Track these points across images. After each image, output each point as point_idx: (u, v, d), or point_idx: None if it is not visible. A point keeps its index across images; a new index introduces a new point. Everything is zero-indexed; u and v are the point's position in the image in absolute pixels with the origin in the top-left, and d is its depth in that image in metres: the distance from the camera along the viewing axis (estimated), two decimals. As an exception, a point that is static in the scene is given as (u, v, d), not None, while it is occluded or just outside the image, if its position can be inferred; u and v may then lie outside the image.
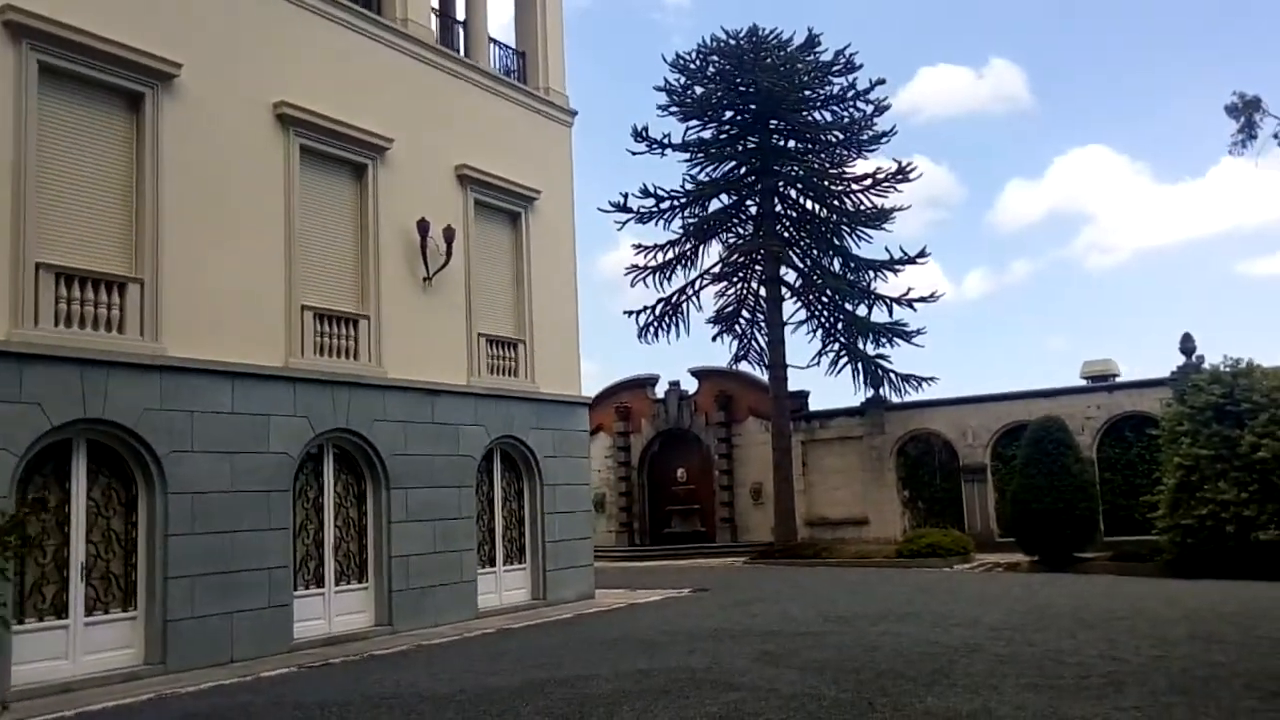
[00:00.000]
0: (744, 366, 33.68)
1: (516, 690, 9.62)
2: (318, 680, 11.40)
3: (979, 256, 70.59)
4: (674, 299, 31.59)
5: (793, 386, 32.30)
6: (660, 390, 36.72)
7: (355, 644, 14.70)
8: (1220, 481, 20.23)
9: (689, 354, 64.98)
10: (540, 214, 20.28)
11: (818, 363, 31.05)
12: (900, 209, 29.64)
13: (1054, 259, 64.20)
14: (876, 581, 21.06)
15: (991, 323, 66.07)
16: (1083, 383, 29.21)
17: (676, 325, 31.76)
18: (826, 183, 29.81)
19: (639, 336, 31.67)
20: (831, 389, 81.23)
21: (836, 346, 30.58)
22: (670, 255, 31.32)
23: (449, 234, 17.55)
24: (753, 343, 32.56)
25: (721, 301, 32.44)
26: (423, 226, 17.16)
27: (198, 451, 13.42)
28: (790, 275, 31.06)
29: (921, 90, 68.05)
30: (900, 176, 28.80)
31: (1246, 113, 14.64)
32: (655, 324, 31.62)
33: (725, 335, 32.82)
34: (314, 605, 15.09)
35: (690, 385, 36.03)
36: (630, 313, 31.54)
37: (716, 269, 31.75)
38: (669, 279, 31.58)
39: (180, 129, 13.86)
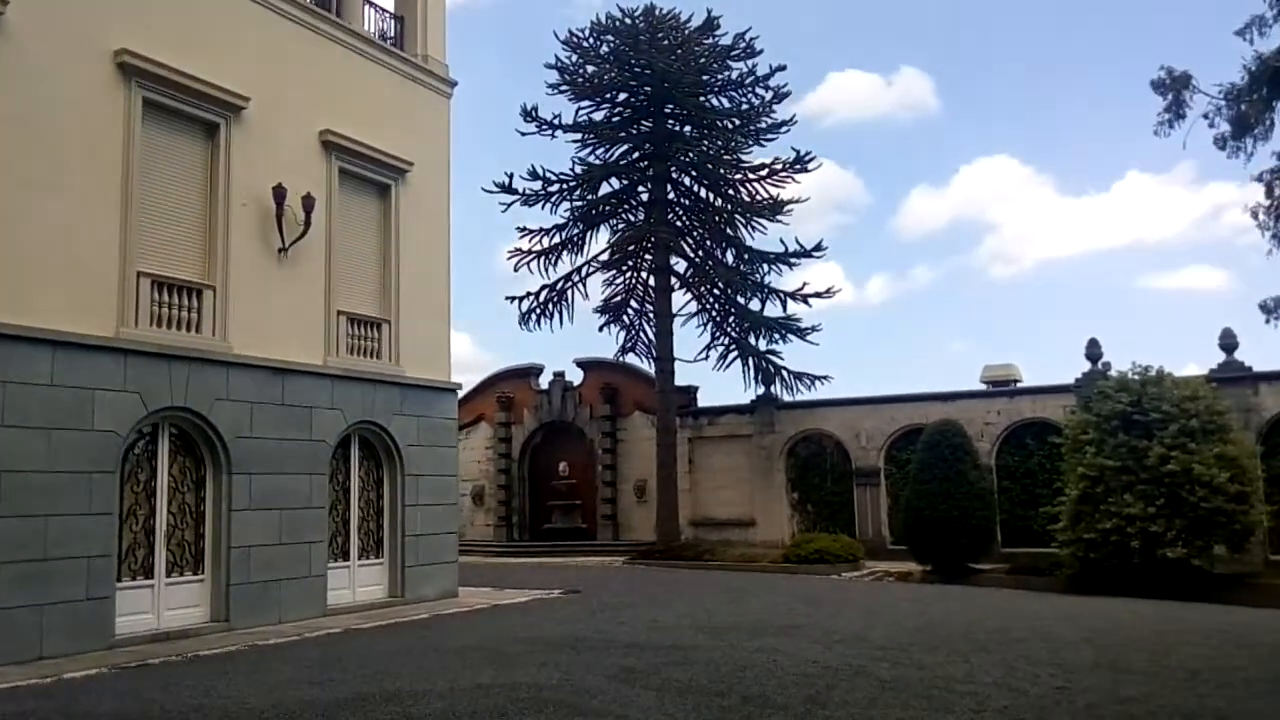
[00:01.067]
0: (631, 359, 33.53)
1: (337, 706, 9.17)
2: (124, 685, 10.80)
3: (882, 262, 72.33)
4: (559, 285, 31.25)
5: (682, 381, 32.25)
6: (545, 381, 36.37)
7: (184, 642, 14.06)
8: (1126, 494, 20.19)
9: (587, 345, 64.62)
10: (413, 188, 19.75)
11: (706, 357, 31.07)
12: (798, 201, 29.76)
13: (957, 266, 66.10)
14: (759, 588, 20.98)
15: (893, 328, 67.72)
16: (983, 387, 29.59)
17: (561, 313, 31.48)
18: (722, 170, 29.72)
19: (521, 322, 31.30)
20: (722, 386, 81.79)
21: (726, 341, 30.56)
22: (556, 240, 30.99)
23: (308, 203, 16.95)
24: (641, 334, 32.39)
25: (609, 290, 32.27)
26: (279, 193, 16.54)
27: (9, 426, 12.67)
28: (681, 265, 30.94)
29: (830, 95, 69.62)
30: (798, 166, 28.85)
31: (1175, 89, 13.69)
32: (539, 310, 31.23)
33: (612, 325, 32.64)
34: (141, 598, 14.38)
35: (576, 376, 35.77)
36: (512, 298, 31.15)
37: (605, 256, 31.50)
38: (554, 265, 31.27)
39: (3, 76, 13.07)
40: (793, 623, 15.26)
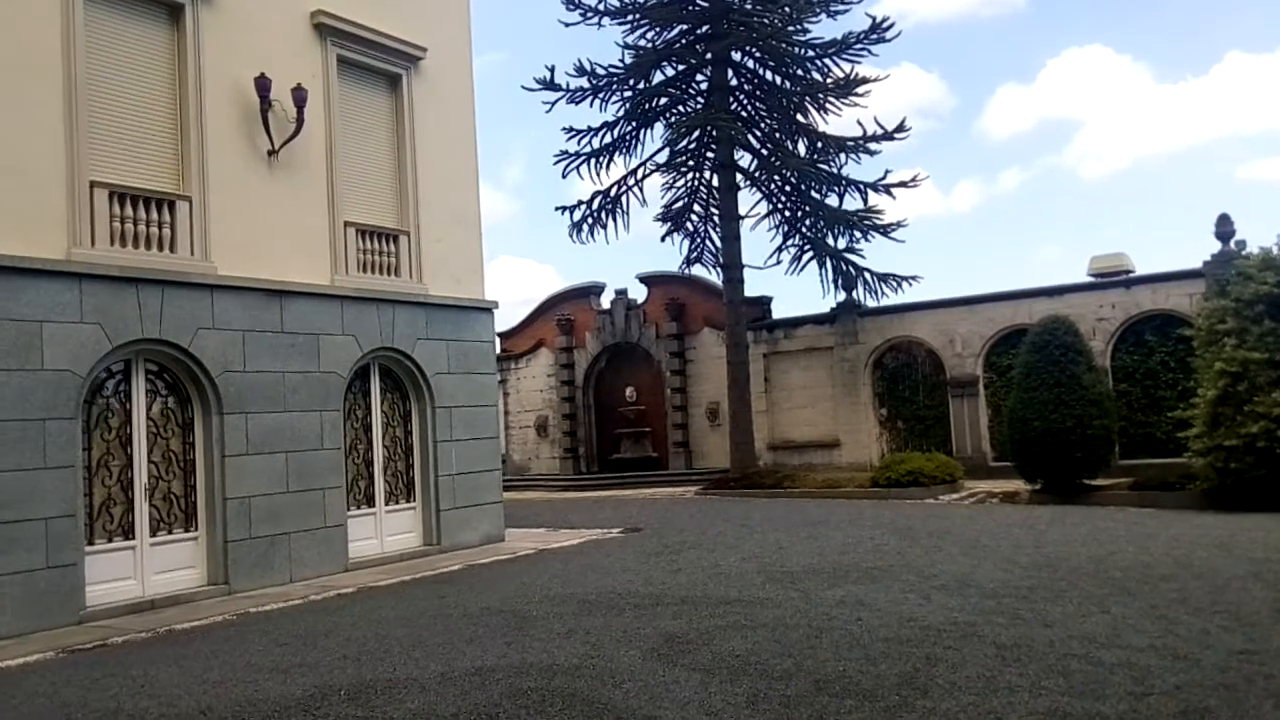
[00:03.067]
0: (698, 271, 31.21)
1: (284, 708, 7.27)
2: (53, 676, 9.04)
3: (969, 167, 69.56)
4: (613, 191, 28.91)
5: (755, 291, 29.93)
6: (606, 300, 34.30)
7: (171, 610, 12.39)
8: (1276, 391, 17.65)
9: (658, 258, 62.41)
10: (428, 78, 17.62)
11: (778, 261, 28.57)
12: (877, 79, 26.84)
13: (1047, 166, 62.99)
14: (844, 519, 18.85)
15: (983, 235, 65.10)
16: (1091, 280, 26.83)
17: (616, 221, 29.13)
18: (787, 47, 26.89)
19: (571, 234, 29.02)
20: (800, 295, 79.53)
21: (799, 241, 28.02)
22: (607, 140, 28.51)
23: (299, 97, 14.91)
24: (707, 242, 30.00)
25: (670, 195, 29.84)
26: (263, 85, 14.51)
27: (-63, 370, 10.94)
28: (747, 161, 28.42)
29: None
30: (875, 36, 25.92)
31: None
32: (591, 220, 28.95)
33: (675, 234, 30.24)
34: (120, 562, 12.69)
35: (639, 294, 33.64)
36: (562, 208, 28.86)
37: (663, 156, 29.08)
38: (606, 169, 28.86)
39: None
40: (882, 563, 13.11)
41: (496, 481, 18.53)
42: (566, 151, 28.14)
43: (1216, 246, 23.26)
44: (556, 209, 29.12)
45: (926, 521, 17.87)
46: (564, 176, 28.22)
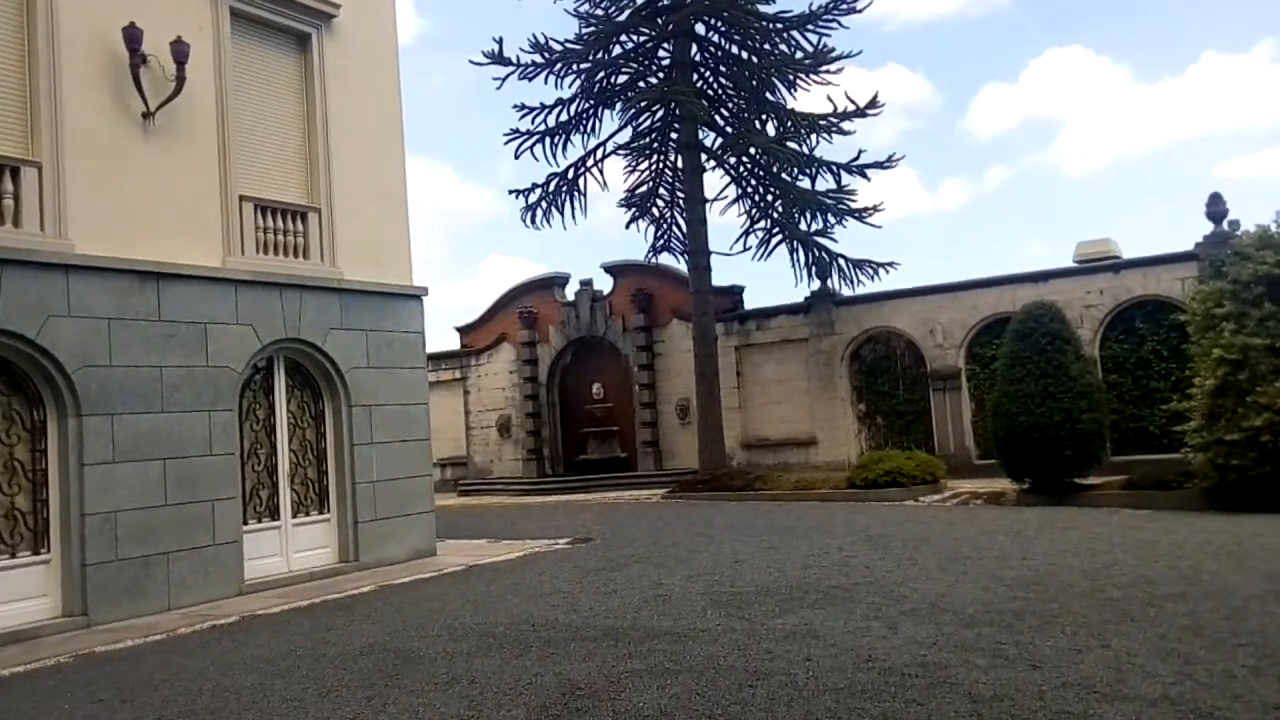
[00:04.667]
0: (666, 260, 29.33)
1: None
2: None
3: (955, 166, 70.04)
4: (570, 173, 26.95)
5: (727, 280, 28.11)
6: (571, 292, 32.39)
7: (9, 650, 10.42)
8: (1279, 380, 15.87)
9: (628, 248, 61.59)
10: (344, 37, 15.71)
11: (744, 246, 26.67)
12: (849, 55, 24.86)
13: (1031, 165, 63.91)
14: (813, 525, 16.99)
15: (969, 233, 65.80)
16: (1079, 266, 25.05)
17: (574, 205, 27.17)
18: (752, 17, 24.94)
19: (524, 218, 27.05)
20: (776, 285, 79.32)
21: (767, 224, 26.14)
22: (564, 118, 26.52)
23: (179, 52, 12.94)
24: (674, 228, 28.13)
25: (632, 179, 27.93)
26: (132, 38, 12.54)
27: None
28: (712, 140, 26.46)
29: None
30: (845, 6, 23.97)
31: None
32: (547, 203, 27.00)
33: (640, 220, 28.39)
34: (-50, 592, 10.76)
35: (605, 284, 31.73)
36: (516, 191, 26.89)
37: (624, 137, 27.17)
38: (562, 149, 26.87)
39: None
40: (846, 581, 11.23)
41: (427, 489, 16.59)
42: (518, 130, 26.15)
43: (1205, 230, 21.69)
44: (510, 192, 27.18)
45: (903, 527, 16.02)
46: (516, 157, 26.28)
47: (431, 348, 36.29)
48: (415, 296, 16.60)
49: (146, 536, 12.25)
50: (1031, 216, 65.30)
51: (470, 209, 71.92)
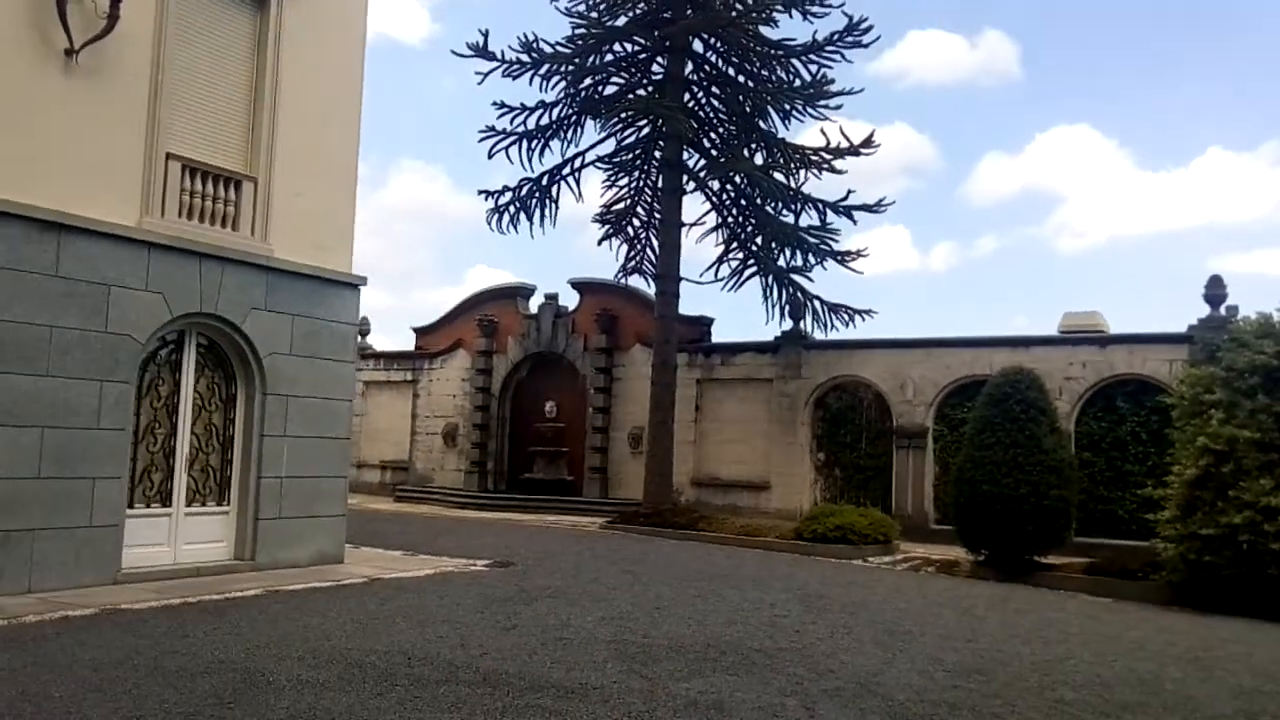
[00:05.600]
0: (636, 282, 28.32)
1: None
2: None
3: (949, 230, 70.72)
4: (544, 180, 25.96)
5: (697, 309, 27.18)
6: (535, 304, 31.39)
7: None
8: (1264, 478, 14.93)
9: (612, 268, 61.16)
10: (307, 2, 14.76)
11: (716, 275, 25.72)
12: (849, 92, 24.04)
13: (1025, 237, 64.77)
14: (749, 576, 16.03)
15: (955, 297, 66.65)
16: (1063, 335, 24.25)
17: (544, 214, 26.14)
18: (753, 40, 24.05)
19: (490, 221, 25.99)
20: (748, 323, 79.45)
21: (742, 254, 25.22)
22: (545, 121, 25.53)
23: (115, -14, 11.99)
24: (648, 250, 27.16)
25: (610, 194, 26.97)
26: (60, -36, 11.58)
27: None
28: (697, 162, 25.57)
29: (909, 55, 65.46)
30: (850, 38, 23.06)
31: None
32: (516, 208, 25.97)
33: (614, 238, 27.38)
34: None
35: (571, 300, 30.71)
36: (485, 193, 25.86)
37: (607, 148, 26.23)
38: (540, 154, 25.86)
39: None
40: (771, 644, 10.28)
41: (340, 491, 15.52)
42: (494, 128, 25.13)
43: (1199, 315, 20.96)
44: (479, 193, 26.12)
45: (846, 589, 15.07)
46: (490, 157, 25.16)
47: (387, 347, 35.51)
48: (353, 285, 15.60)
49: (10, 510, 11.20)
50: (1020, 288, 65.66)
51: (462, 216, 71.33)
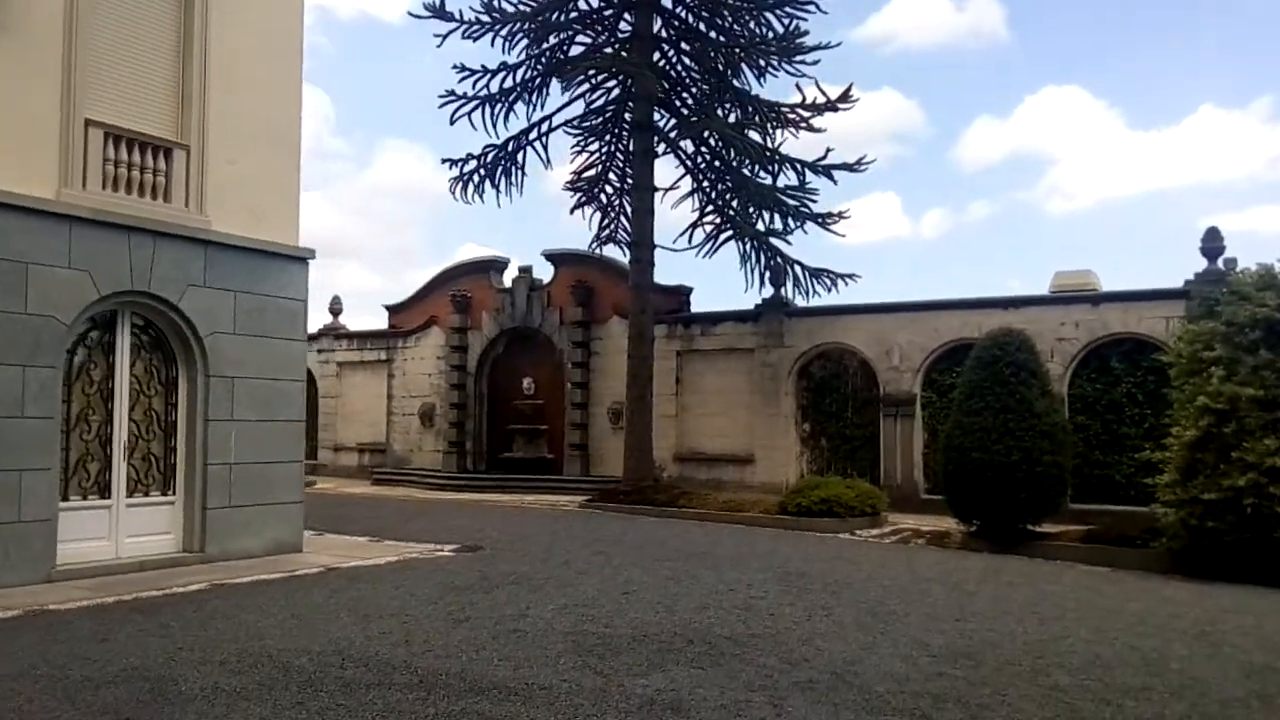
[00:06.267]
0: (611, 252, 27.56)
1: None
2: None
3: (940, 196, 69.59)
4: (510, 146, 25.14)
5: (676, 278, 26.45)
6: (509, 278, 30.60)
7: None
8: (1268, 438, 14.16)
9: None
10: (240, -45, 13.95)
11: (690, 240, 24.96)
12: (826, 46, 23.21)
13: (1015, 201, 64.35)
14: (728, 554, 15.36)
15: (946, 263, 65.67)
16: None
17: (512, 181, 25.33)
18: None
19: (453, 190, 25.20)
20: (730, 292, 79.37)
21: (718, 218, 24.45)
22: (509, 84, 24.66)
23: (21, -61, 11.16)
24: (621, 217, 26.39)
25: (580, 160, 26.16)
26: (-39, -86, 10.76)
27: None
28: (668, 123, 24.74)
29: (894, 19, 65.16)
30: (825, -12, 22.33)
31: None
32: (481, 175, 25.13)
33: (586, 207, 26.63)
34: None
35: (546, 273, 29.94)
36: (449, 161, 25.01)
37: (577, 111, 25.39)
38: (504, 119, 25.00)
39: None
40: (744, 630, 9.59)
41: (295, 476, 14.80)
42: (454, 93, 24.26)
43: (1196, 268, 20.31)
44: (443, 161, 25.28)
45: (829, 565, 14.41)
46: (452, 123, 24.27)
47: (360, 326, 34.69)
48: (300, 259, 14.82)
49: (-78, 508, 10.44)
50: (1012, 253, 65.11)
51: (448, 194, 70.13)
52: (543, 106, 25.23)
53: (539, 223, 75.93)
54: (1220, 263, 19.82)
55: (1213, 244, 20.04)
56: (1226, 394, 14.71)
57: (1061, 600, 12.08)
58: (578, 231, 70.47)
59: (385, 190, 72.02)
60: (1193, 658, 9.02)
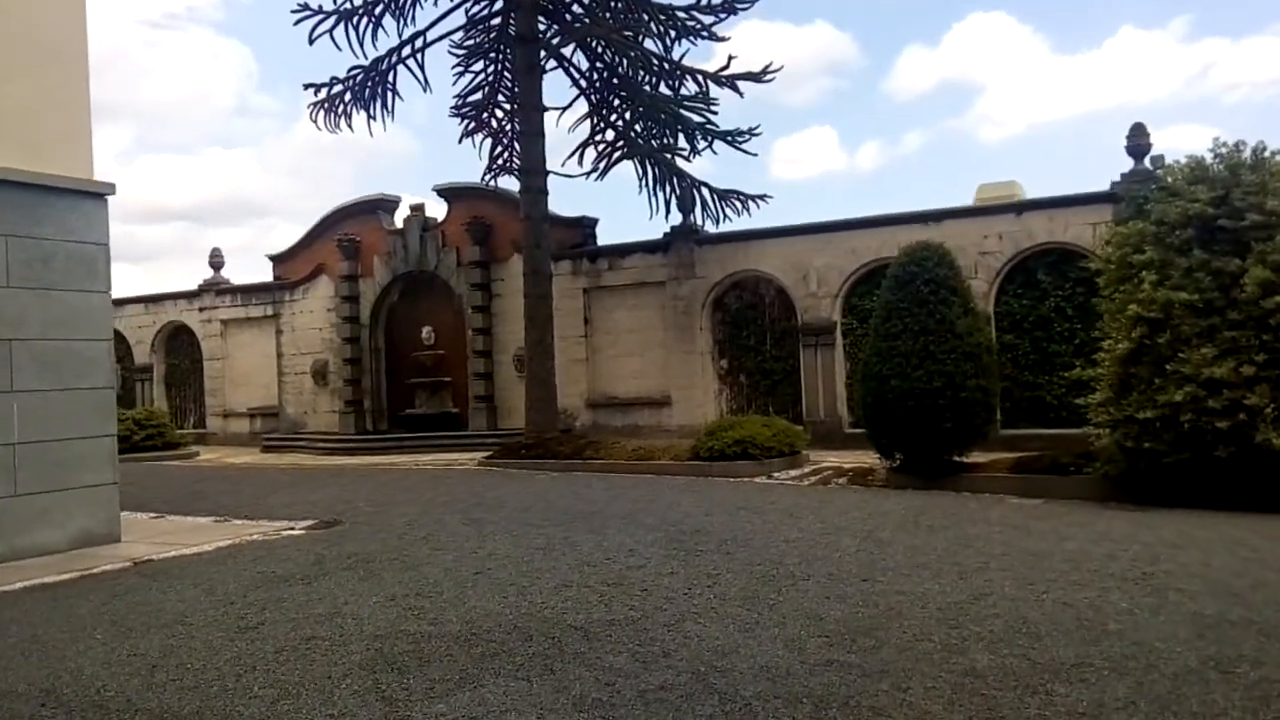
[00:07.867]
0: (508, 184, 25.56)
1: None
2: None
3: (875, 128, 69.99)
4: (381, 65, 22.95)
5: (579, 210, 24.56)
6: (400, 218, 28.53)
7: None
8: (1205, 346, 12.71)
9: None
10: None
11: (580, 160, 23.02)
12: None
13: (947, 130, 63.45)
14: (621, 511, 13.61)
15: (884, 195, 65.13)
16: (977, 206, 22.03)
17: (381, 105, 23.18)
18: None
19: (314, 117, 23.02)
20: (637, 223, 78.36)
21: (611, 135, 22.55)
22: (374, -5, 22.38)
23: None
24: (515, 145, 24.37)
25: (465, 82, 24.05)
26: None
27: None
28: (555, 33, 22.70)
29: None
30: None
31: None
32: (349, 98, 22.97)
33: (475, 135, 24.58)
34: None
35: (440, 211, 27.90)
36: (311, 85, 22.79)
37: (457, 22, 23.27)
38: (372, 35, 22.76)
39: None
40: (604, 615, 7.79)
41: (105, 454, 12.77)
42: (307, 5, 21.96)
43: (1130, 164, 18.86)
44: (305, 86, 23.00)
45: (731, 519, 12.70)
46: (311, 43, 21.96)
47: (246, 279, 32.42)
48: (96, 195, 12.66)
49: None
50: (946, 181, 64.95)
51: (385, 150, 68.49)
52: (414, 22, 23.09)
53: (477, 167, 73.95)
54: (1147, 161, 18.47)
55: (1138, 140, 18.67)
56: (1159, 300, 13.20)
57: (986, 545, 10.46)
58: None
59: (315, 148, 69.59)
60: (1135, 613, 7.39)
